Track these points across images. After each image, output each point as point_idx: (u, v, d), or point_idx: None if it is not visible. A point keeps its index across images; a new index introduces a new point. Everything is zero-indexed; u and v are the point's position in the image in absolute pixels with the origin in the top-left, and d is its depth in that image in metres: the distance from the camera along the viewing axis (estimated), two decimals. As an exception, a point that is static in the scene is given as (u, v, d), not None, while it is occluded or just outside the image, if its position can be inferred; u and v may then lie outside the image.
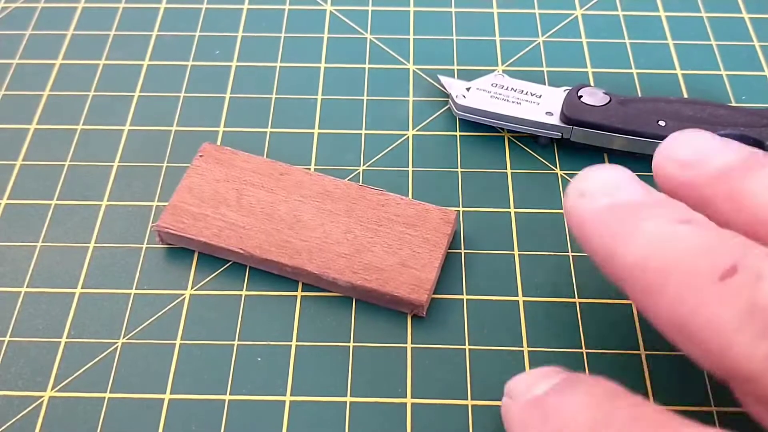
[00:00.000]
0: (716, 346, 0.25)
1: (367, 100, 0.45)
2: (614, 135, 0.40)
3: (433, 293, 0.37)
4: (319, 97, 0.45)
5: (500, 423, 0.32)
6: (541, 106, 0.42)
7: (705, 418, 0.33)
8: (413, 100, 0.45)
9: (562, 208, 0.40)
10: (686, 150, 0.31)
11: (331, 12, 0.50)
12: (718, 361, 0.26)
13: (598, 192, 0.30)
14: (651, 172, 0.41)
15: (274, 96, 0.45)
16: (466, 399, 0.34)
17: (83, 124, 0.44)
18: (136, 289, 0.38)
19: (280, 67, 0.47)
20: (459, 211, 0.40)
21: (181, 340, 0.36)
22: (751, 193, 0.28)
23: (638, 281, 0.27)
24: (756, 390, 0.25)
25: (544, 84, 0.45)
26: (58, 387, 0.35)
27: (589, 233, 0.30)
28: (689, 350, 0.27)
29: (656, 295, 0.27)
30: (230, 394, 0.35)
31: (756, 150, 0.30)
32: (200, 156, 0.40)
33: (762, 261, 0.25)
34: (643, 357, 0.35)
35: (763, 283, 0.25)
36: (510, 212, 0.40)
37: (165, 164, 0.42)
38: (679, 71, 0.46)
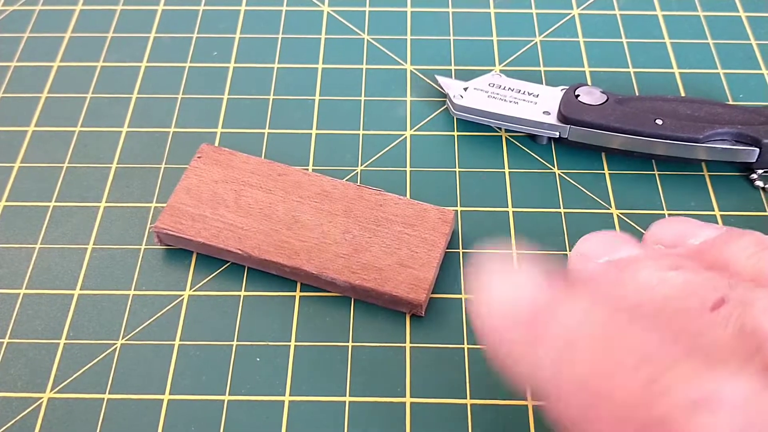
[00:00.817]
0: None
1: (365, 100, 0.45)
2: (612, 134, 0.40)
3: (432, 293, 0.37)
4: (317, 97, 0.45)
5: (499, 422, 0.32)
6: (539, 105, 0.42)
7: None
8: (411, 101, 0.45)
9: (560, 207, 0.40)
10: (668, 232, 0.34)
11: (328, 13, 0.50)
12: None
13: (597, 253, 0.33)
14: (648, 170, 0.41)
15: (271, 97, 0.45)
16: (465, 398, 0.34)
17: (81, 126, 0.44)
18: (134, 290, 0.38)
19: (278, 68, 0.47)
20: (457, 210, 0.40)
21: (179, 340, 0.36)
22: (731, 258, 0.30)
23: None
24: None
25: (542, 83, 0.45)
26: (57, 388, 0.35)
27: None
28: None
29: None
30: (229, 395, 0.35)
31: (731, 227, 0.32)
32: (198, 157, 0.40)
33: (748, 291, 0.28)
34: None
35: (749, 308, 0.27)
36: (508, 211, 0.40)
37: (163, 165, 0.42)
38: (676, 70, 0.46)
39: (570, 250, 0.38)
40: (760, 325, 0.27)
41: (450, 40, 0.48)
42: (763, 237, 0.32)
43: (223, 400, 0.34)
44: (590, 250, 0.33)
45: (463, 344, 0.36)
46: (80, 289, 0.38)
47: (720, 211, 0.40)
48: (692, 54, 0.47)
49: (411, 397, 0.34)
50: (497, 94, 0.43)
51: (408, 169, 0.42)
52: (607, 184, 0.41)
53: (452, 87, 0.44)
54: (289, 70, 0.47)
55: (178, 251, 0.39)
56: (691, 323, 0.28)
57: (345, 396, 0.35)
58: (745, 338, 0.27)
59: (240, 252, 0.37)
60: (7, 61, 0.48)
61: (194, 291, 0.38)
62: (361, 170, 0.42)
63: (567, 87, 0.42)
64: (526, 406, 0.34)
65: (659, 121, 0.40)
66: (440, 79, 0.45)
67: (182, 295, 0.38)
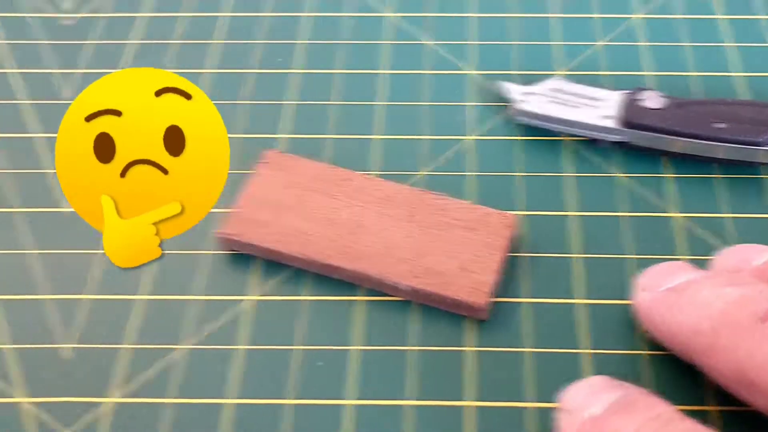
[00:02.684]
0: None
1: (426, 105, 0.45)
2: (672, 138, 0.40)
3: (494, 297, 0.37)
4: (380, 102, 0.46)
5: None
6: (600, 109, 0.42)
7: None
8: (473, 105, 0.45)
9: (621, 212, 0.40)
10: (732, 259, 0.35)
11: (390, 18, 0.50)
12: None
13: (657, 283, 0.34)
14: (710, 174, 0.41)
15: (334, 102, 0.46)
16: (528, 402, 0.34)
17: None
18: (200, 295, 0.39)
19: (341, 73, 0.47)
20: (519, 214, 0.40)
21: (244, 345, 0.37)
22: None
23: (698, 343, 0.31)
24: None
25: (603, 88, 0.44)
26: (122, 393, 0.36)
27: (653, 317, 0.34)
28: (753, 398, 0.29)
29: (713, 350, 0.30)
30: (292, 398, 0.35)
31: None
32: (263, 163, 0.41)
33: None
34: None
35: None
36: (570, 215, 0.40)
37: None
38: (739, 73, 0.46)
39: (629, 255, 0.39)
40: None
41: (511, 45, 0.48)
42: None
43: (286, 404, 0.35)
44: (650, 282, 0.35)
45: (526, 348, 0.36)
46: (147, 294, 0.39)
47: (784, 214, 0.40)
48: (755, 57, 0.47)
49: (473, 400, 0.35)
50: (558, 98, 0.43)
51: (469, 173, 0.42)
52: (668, 189, 0.41)
53: (514, 92, 0.44)
54: (352, 76, 0.47)
55: (242, 257, 0.40)
56: (746, 339, 0.28)
57: (407, 400, 0.35)
58: None
59: (304, 257, 0.37)
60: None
61: (259, 296, 0.38)
62: (423, 175, 0.42)
63: (628, 91, 0.42)
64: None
65: (719, 125, 0.40)
66: (502, 84, 0.45)
67: (247, 300, 0.38)
